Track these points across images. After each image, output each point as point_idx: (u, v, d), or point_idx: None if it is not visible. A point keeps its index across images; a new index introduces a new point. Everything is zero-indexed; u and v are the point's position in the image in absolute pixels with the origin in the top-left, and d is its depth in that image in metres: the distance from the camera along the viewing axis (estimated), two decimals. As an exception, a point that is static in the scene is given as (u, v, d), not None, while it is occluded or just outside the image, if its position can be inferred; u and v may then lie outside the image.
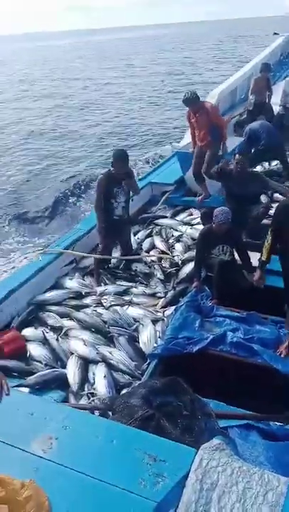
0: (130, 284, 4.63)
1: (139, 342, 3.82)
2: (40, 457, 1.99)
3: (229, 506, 1.67)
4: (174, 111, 16.82)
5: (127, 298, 4.38)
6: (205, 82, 20.52)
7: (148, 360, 3.56)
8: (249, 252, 4.27)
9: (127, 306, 4.23)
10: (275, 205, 5.23)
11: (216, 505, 1.67)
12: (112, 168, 4.61)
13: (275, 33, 14.16)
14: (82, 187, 10.35)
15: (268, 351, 3.42)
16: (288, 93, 7.66)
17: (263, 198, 5.28)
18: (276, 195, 5.93)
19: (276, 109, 7.80)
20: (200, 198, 5.84)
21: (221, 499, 1.70)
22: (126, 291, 4.50)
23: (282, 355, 3.38)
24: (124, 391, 3.30)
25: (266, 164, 7.08)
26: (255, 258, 4.29)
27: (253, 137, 6.43)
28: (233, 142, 6.18)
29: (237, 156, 4.87)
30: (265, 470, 1.85)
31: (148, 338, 3.79)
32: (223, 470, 1.78)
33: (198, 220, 5.48)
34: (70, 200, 9.87)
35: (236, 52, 33.47)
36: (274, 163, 7.21)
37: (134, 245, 5.21)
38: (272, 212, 4.95)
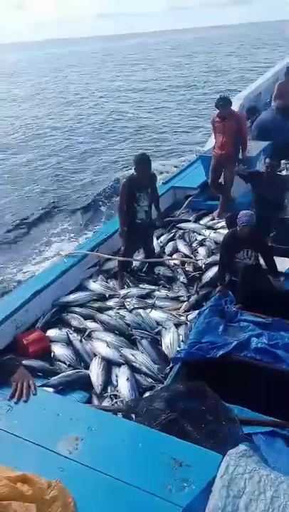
0: (153, 287, 4.64)
1: (161, 345, 3.82)
2: (66, 457, 2.00)
3: (256, 514, 1.65)
4: (200, 118, 16.83)
5: (150, 301, 4.39)
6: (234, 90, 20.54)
7: (171, 364, 3.55)
8: (275, 257, 4.22)
9: (150, 309, 4.24)
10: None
11: (243, 512, 1.65)
12: (134, 173, 4.64)
13: None
14: (108, 191, 10.44)
15: (294, 358, 3.36)
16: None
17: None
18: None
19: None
20: (215, 213, 5.79)
21: (248, 507, 1.67)
22: (149, 295, 4.51)
23: None
24: (146, 394, 3.31)
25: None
26: (281, 263, 4.27)
27: (262, 129, 6.42)
28: (259, 146, 6.13)
29: (268, 159, 4.84)
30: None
31: (171, 341, 3.79)
32: (250, 477, 1.75)
33: (222, 224, 5.45)
34: (96, 204, 9.97)
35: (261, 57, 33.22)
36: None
37: (157, 249, 5.22)
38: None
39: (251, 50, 38.12)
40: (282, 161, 6.97)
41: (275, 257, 4.23)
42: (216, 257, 4.61)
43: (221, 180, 5.77)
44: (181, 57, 40.31)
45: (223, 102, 5.46)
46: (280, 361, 3.38)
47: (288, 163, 7.20)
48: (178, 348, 3.70)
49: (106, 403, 3.34)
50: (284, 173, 6.88)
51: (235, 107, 7.47)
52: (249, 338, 3.58)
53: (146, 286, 4.66)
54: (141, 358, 3.64)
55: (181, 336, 3.87)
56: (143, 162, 4.57)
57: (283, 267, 4.33)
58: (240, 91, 8.96)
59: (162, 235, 5.60)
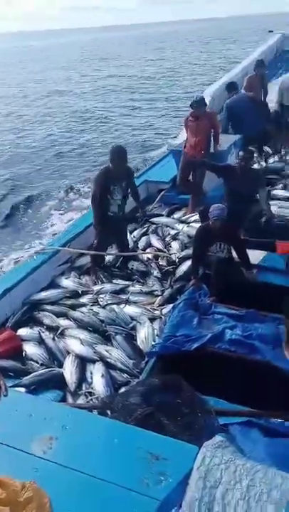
0: (127, 282, 4.59)
1: (136, 340, 3.80)
2: (41, 458, 1.95)
3: (233, 504, 1.65)
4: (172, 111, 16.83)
5: (123, 296, 4.34)
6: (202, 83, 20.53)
7: (146, 359, 3.53)
8: (247, 250, 4.25)
9: (124, 305, 4.20)
10: (272, 203, 5.31)
11: (219, 502, 1.64)
12: (110, 165, 4.57)
13: (270, 31, 14.15)
14: (81, 185, 10.31)
15: (267, 348, 3.40)
16: (284, 91, 7.63)
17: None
18: (273, 192, 5.95)
19: (272, 107, 7.79)
20: (188, 208, 5.80)
21: (224, 497, 1.67)
22: (123, 290, 4.46)
23: None
24: (122, 389, 3.28)
25: (263, 162, 7.11)
26: (253, 256, 4.31)
27: (235, 110, 6.63)
28: (230, 139, 6.17)
29: (241, 152, 4.86)
30: (269, 467, 1.82)
31: (146, 336, 3.76)
32: (227, 467, 1.75)
33: (194, 217, 5.46)
34: (68, 198, 9.83)
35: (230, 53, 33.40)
36: (271, 160, 7.25)
37: (131, 244, 5.18)
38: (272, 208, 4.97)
39: (218, 47, 38.20)
40: (270, 160, 7.11)
41: (247, 250, 4.27)
42: (190, 251, 4.61)
43: (190, 178, 5.78)
44: (149, 51, 40.09)
45: (198, 104, 5.48)
46: (254, 352, 3.42)
47: (259, 156, 7.30)
48: (153, 343, 3.68)
49: (81, 401, 3.28)
50: (256, 166, 6.98)
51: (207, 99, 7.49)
52: (223, 330, 3.60)
53: (119, 281, 4.61)
54: (116, 353, 3.60)
55: (155, 330, 3.85)
56: (119, 154, 4.51)
57: (256, 259, 4.36)
58: (210, 84, 8.96)
59: (135, 229, 5.56)
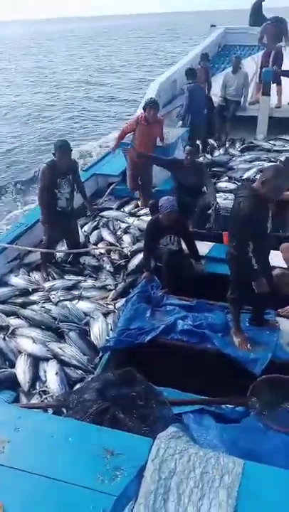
0: (79, 277, 4.55)
1: (90, 336, 3.78)
2: (-8, 463, 1.90)
3: (188, 492, 1.70)
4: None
5: (76, 292, 4.30)
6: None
7: (100, 354, 3.53)
8: (196, 242, 4.34)
9: (76, 301, 4.16)
10: (218, 195, 5.45)
11: (174, 492, 1.69)
12: (55, 159, 4.48)
13: (213, 25, 14.36)
14: (25, 179, 10.01)
15: (218, 336, 3.51)
16: (228, 85, 7.82)
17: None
18: (219, 184, 6.11)
19: (216, 100, 7.96)
20: (137, 205, 5.79)
21: (179, 486, 1.72)
22: (75, 286, 4.41)
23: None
24: (77, 386, 3.25)
25: (208, 155, 7.27)
26: (201, 247, 4.41)
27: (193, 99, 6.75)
28: (177, 133, 6.24)
29: (187, 147, 4.92)
30: (221, 453, 1.89)
31: (100, 331, 3.76)
32: (180, 457, 1.80)
33: (145, 211, 5.49)
34: (11, 194, 9.52)
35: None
36: (216, 153, 7.42)
37: (82, 238, 5.12)
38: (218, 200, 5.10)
39: (161, 43, 37.88)
40: (216, 154, 7.23)
41: (196, 241, 4.36)
42: (141, 244, 4.63)
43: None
44: (93, 45, 39.20)
45: (155, 106, 5.37)
46: (205, 341, 3.52)
47: (204, 149, 7.45)
48: (107, 337, 3.68)
49: (35, 400, 3.23)
50: (202, 159, 7.12)
51: (151, 94, 7.50)
52: (175, 320, 3.67)
53: (71, 277, 4.56)
54: (69, 350, 3.56)
55: (109, 325, 3.85)
56: (63, 148, 4.43)
57: (204, 250, 4.47)
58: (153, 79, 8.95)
59: (86, 223, 5.50)
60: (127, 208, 5.84)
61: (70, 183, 4.62)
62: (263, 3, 11.25)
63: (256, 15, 11.36)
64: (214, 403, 2.89)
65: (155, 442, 1.90)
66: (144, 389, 2.79)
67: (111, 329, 3.78)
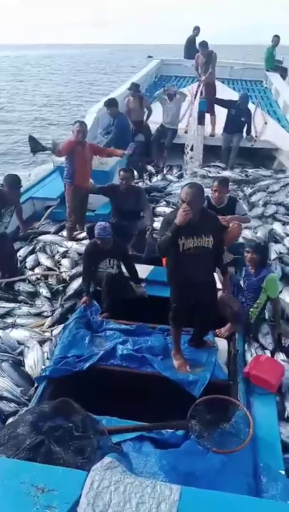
0: (13, 304, 4.34)
1: (25, 366, 3.59)
2: None
3: (124, 525, 1.61)
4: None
5: (9, 320, 4.10)
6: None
7: (36, 384, 3.35)
8: (136, 265, 4.35)
9: (10, 329, 3.96)
10: (156, 219, 5.54)
11: (110, 527, 1.59)
12: (3, 189, 4.42)
13: (149, 56, 14.98)
14: None
15: (157, 359, 3.49)
16: (164, 113, 8.07)
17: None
18: (158, 209, 6.22)
19: (153, 127, 8.19)
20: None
21: (114, 520, 1.63)
22: (9, 313, 4.21)
23: None
24: (10, 420, 3.05)
25: (147, 181, 7.43)
26: (141, 270, 4.42)
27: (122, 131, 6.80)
28: (115, 159, 6.30)
29: (122, 172, 4.96)
30: (158, 481, 1.83)
31: (35, 360, 3.58)
32: (116, 488, 1.71)
33: (83, 234, 5.43)
34: None
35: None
36: (154, 179, 7.60)
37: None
38: (156, 225, 5.18)
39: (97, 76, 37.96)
40: (154, 179, 7.36)
41: (135, 265, 4.36)
42: (80, 268, 4.55)
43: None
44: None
45: (82, 125, 5.22)
46: (145, 365, 3.48)
47: (142, 175, 7.60)
48: (43, 367, 3.52)
49: None
50: (140, 184, 7.24)
51: (88, 121, 7.56)
52: (115, 345, 3.60)
53: (4, 304, 4.34)
54: (1, 382, 3.35)
55: (46, 354, 3.69)
56: (15, 184, 4.47)
57: (144, 273, 4.48)
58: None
59: (21, 248, 5.32)
60: (65, 232, 5.72)
61: (12, 212, 4.62)
62: (196, 37, 11.90)
63: (190, 48, 11.98)
64: (154, 428, 2.84)
65: (89, 475, 1.80)
66: (82, 419, 2.68)
67: (47, 358, 3.62)
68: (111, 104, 7.03)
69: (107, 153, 5.85)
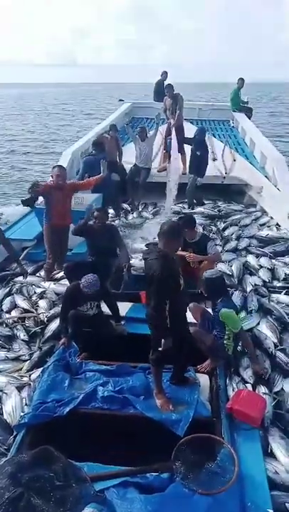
0: (-10, 350, 4.24)
1: (2, 414, 3.47)
2: None
3: None
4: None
5: (-14, 366, 3.99)
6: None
7: (15, 433, 3.24)
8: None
9: (-13, 375, 3.85)
10: (134, 255, 5.60)
11: None
12: None
13: (121, 100, 15.62)
14: None
15: (139, 400, 3.43)
16: (137, 153, 8.33)
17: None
18: (134, 246, 6.31)
19: (127, 167, 8.42)
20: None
21: None
22: (-16, 359, 4.10)
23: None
24: (-13, 473, 2.91)
25: (123, 219, 7.56)
26: (120, 308, 4.41)
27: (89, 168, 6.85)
28: (92, 198, 6.42)
29: (96, 212, 5.04)
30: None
31: (13, 407, 3.48)
32: None
33: (61, 274, 5.42)
34: None
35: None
36: (130, 216, 7.73)
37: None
38: (132, 262, 5.23)
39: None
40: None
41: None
42: (58, 309, 4.50)
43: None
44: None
45: (60, 169, 5.41)
46: (127, 406, 3.41)
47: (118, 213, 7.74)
48: (22, 413, 3.41)
49: None
50: (117, 222, 7.35)
51: (63, 162, 7.71)
52: (95, 388, 3.54)
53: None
54: (-22, 432, 3.23)
55: (24, 399, 3.59)
56: None
57: (123, 311, 4.48)
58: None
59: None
60: (42, 273, 5.70)
61: None
62: (164, 81, 12.48)
63: (158, 92, 12.54)
64: (138, 473, 2.76)
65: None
66: (63, 467, 2.61)
67: (26, 404, 3.52)
68: (95, 145, 7.37)
69: (88, 185, 5.96)
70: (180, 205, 8.10)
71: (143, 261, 3.53)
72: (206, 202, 8.32)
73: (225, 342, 3.80)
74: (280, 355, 4.07)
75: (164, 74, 12.83)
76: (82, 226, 5.03)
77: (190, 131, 8.71)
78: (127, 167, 8.39)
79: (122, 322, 4.36)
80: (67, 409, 3.34)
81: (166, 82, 11.54)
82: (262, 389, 3.68)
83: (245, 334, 4.02)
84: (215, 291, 3.90)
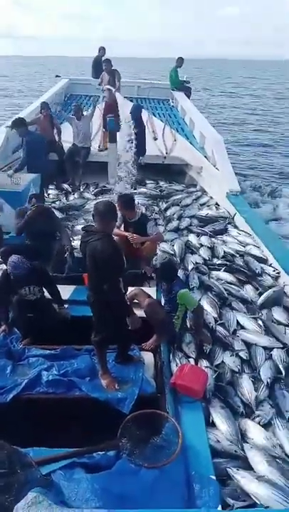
0: None
1: None
2: None
3: None
4: None
5: None
6: None
7: None
8: (57, 285, 4.26)
9: None
10: (75, 238, 5.51)
11: None
12: None
13: (57, 76, 15.01)
14: None
15: (85, 381, 3.44)
16: (75, 132, 8.11)
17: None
18: (76, 227, 6.20)
19: (66, 146, 8.18)
20: None
21: None
22: None
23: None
24: None
25: (64, 199, 7.36)
26: (62, 291, 4.33)
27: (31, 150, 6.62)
28: (29, 177, 6.19)
29: (34, 199, 4.88)
30: (84, 509, 1.78)
31: None
32: (44, 524, 1.65)
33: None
34: None
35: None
36: (71, 197, 7.55)
37: None
38: (74, 243, 5.14)
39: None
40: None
41: (57, 286, 4.27)
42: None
43: None
44: None
45: None
46: (73, 388, 3.41)
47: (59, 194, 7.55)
48: None
49: None
50: (58, 203, 7.17)
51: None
52: (39, 372, 3.50)
53: None
54: None
55: None
56: None
57: (66, 294, 4.41)
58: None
59: None
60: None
61: None
62: (102, 57, 12.15)
63: (96, 68, 12.21)
64: (85, 453, 2.78)
65: (15, 514, 1.72)
66: (7, 454, 2.55)
67: None
68: (17, 124, 6.85)
69: None
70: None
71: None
72: (148, 182, 8.33)
73: (174, 321, 3.90)
74: (219, 329, 4.23)
75: (102, 50, 12.47)
76: (23, 225, 4.88)
77: (129, 108, 8.60)
78: (66, 147, 8.16)
79: (66, 305, 4.30)
80: (11, 395, 3.29)
81: (104, 58, 11.25)
82: (204, 363, 3.82)
83: (202, 308, 4.16)
84: (169, 275, 4.02)
